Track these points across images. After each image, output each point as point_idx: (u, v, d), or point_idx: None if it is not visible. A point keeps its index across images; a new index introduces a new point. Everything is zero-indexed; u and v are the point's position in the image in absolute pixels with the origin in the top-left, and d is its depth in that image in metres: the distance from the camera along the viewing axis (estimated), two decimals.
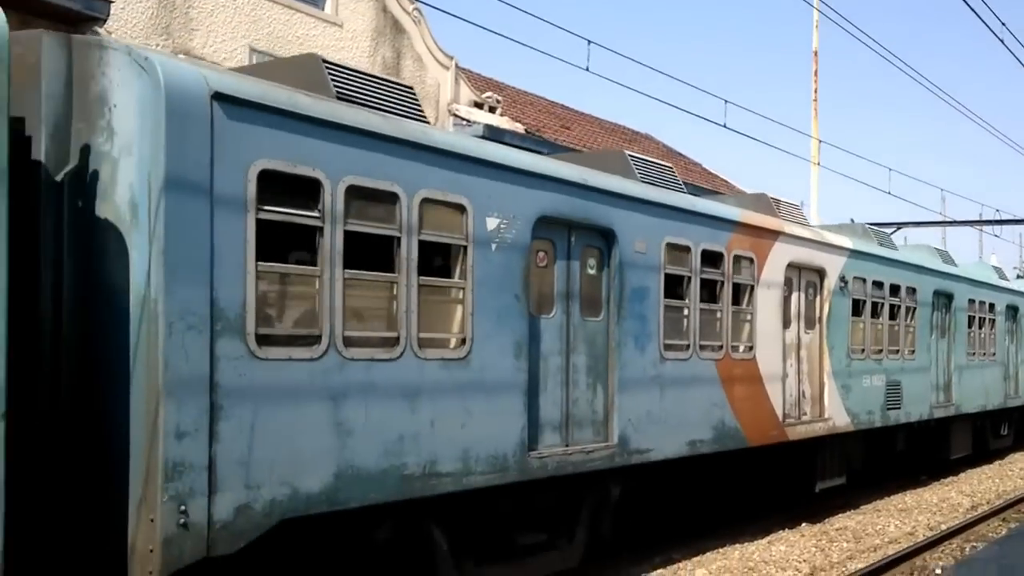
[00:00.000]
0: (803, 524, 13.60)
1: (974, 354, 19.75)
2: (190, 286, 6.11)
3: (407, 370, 7.50)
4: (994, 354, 20.97)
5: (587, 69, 13.49)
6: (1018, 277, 31.38)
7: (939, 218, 38.13)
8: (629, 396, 9.79)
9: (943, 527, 13.62)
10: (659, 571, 10.73)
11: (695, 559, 11.27)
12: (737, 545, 12.06)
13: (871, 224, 18.61)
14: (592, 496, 9.75)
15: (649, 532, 11.66)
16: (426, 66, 19.80)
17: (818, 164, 27.10)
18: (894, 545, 12.53)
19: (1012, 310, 22.42)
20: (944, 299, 18.28)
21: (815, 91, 27.11)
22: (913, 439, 17.61)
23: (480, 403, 8.11)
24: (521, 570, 8.98)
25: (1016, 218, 37.37)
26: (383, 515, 7.57)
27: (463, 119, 20.07)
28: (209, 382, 6.20)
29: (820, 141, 26.97)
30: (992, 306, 20.89)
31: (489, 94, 21.77)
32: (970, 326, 19.58)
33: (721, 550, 11.76)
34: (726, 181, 32.64)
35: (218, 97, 6.26)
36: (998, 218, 37.02)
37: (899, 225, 30.94)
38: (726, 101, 17.14)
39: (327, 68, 7.71)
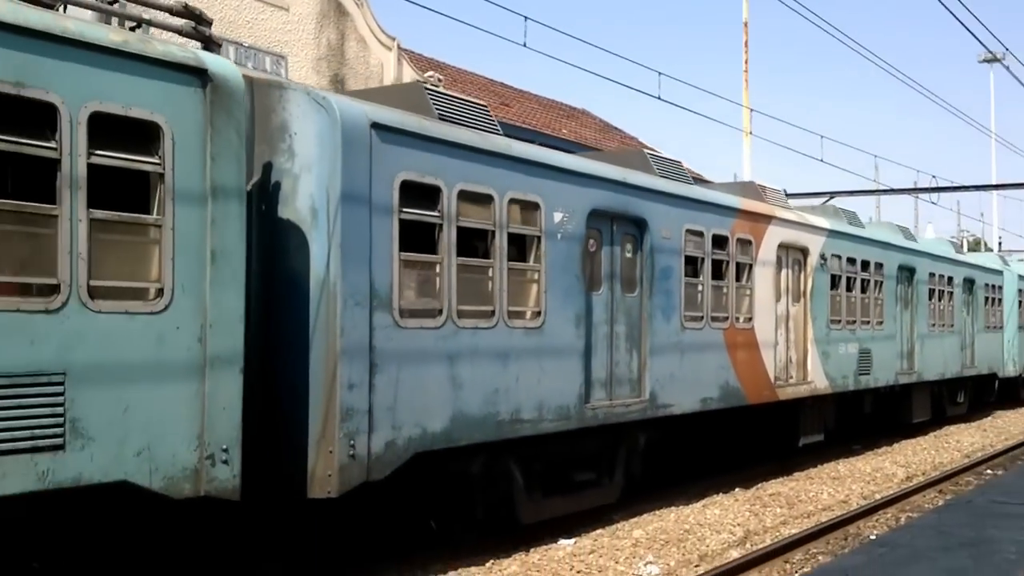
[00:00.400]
0: (737, 489, 13.91)
1: (935, 325, 21.90)
2: (357, 272, 7.97)
3: (500, 336, 9.41)
4: (952, 325, 23.16)
5: (524, 45, 13.97)
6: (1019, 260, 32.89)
7: (873, 186, 38.15)
8: (657, 359, 11.77)
9: (877, 496, 13.72)
10: (599, 531, 11.07)
11: (633, 520, 11.62)
12: (673, 508, 12.39)
13: (806, 193, 20.24)
14: (627, 443, 11.73)
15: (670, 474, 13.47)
16: (369, 47, 20.75)
17: (750, 133, 27.72)
18: (827, 512, 12.68)
19: (968, 283, 24.63)
20: (907, 273, 20.40)
21: (745, 61, 27.78)
22: (879, 403, 19.73)
23: (551, 364, 10.04)
24: (575, 502, 10.95)
25: (953, 185, 38.61)
26: (478, 453, 9.48)
27: None
28: (369, 346, 8.06)
29: (751, 110, 27.66)
30: (951, 279, 23.07)
31: (431, 73, 22.18)
32: (931, 298, 21.73)
33: (658, 512, 12.12)
34: (659, 154, 33.92)
35: (375, 126, 8.10)
36: (934, 185, 38.46)
37: (832, 194, 31.71)
38: (660, 73, 18.26)
39: (428, 94, 9.55)
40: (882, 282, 18.90)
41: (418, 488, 9.12)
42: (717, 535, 11.09)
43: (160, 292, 6.63)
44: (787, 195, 28.15)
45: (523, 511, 10.15)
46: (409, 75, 21.64)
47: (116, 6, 7.01)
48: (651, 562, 9.76)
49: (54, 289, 6.07)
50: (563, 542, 10.45)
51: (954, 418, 24.30)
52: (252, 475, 7.35)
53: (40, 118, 6.04)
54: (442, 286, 8.83)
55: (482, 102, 10.44)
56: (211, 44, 7.26)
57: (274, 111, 8.04)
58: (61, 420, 6.05)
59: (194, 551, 7.70)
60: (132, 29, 7.01)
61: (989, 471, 16.33)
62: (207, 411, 6.85)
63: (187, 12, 7.20)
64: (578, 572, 9.40)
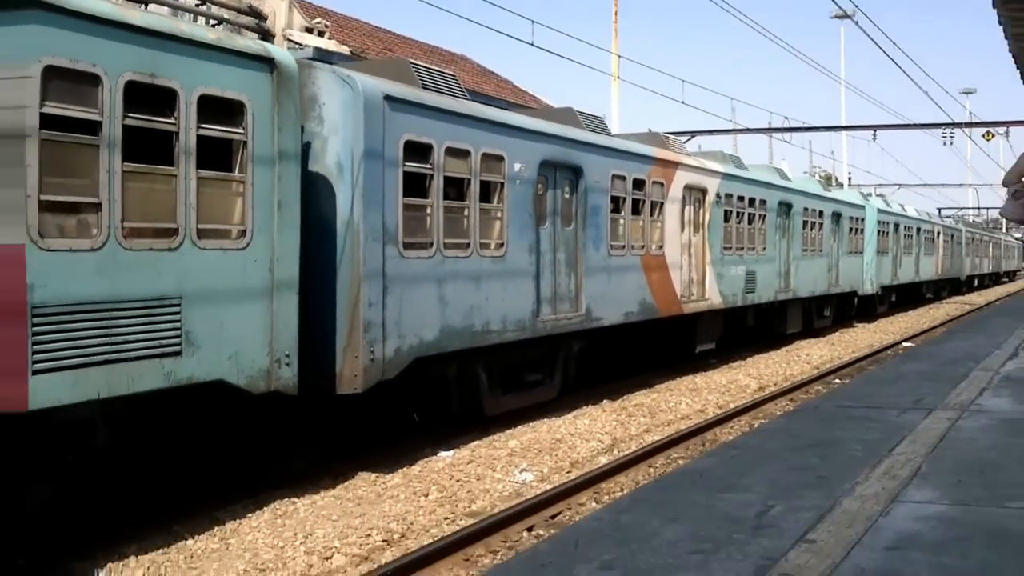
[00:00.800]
0: (605, 401, 14.65)
1: (807, 251, 25.02)
2: (374, 214, 10.03)
3: (474, 264, 11.63)
4: (821, 250, 26.37)
5: None
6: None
7: (731, 126, 40.17)
8: (590, 281, 14.17)
9: (732, 405, 14.46)
10: (476, 442, 11.72)
11: (508, 432, 12.26)
12: (546, 420, 13.10)
13: (669, 133, 22.09)
14: (564, 350, 14.16)
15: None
16: None
17: (618, 78, 28.86)
18: (686, 421, 13.38)
19: (835, 216, 27.89)
20: (785, 207, 23.33)
21: (615, 12, 29.02)
22: (760, 317, 22.74)
23: (511, 285, 12.32)
24: (526, 398, 13.36)
25: (804, 125, 40.08)
26: (453, 359, 11.72)
27: (296, 43, 21.90)
28: (382, 272, 10.18)
29: (620, 56, 28.65)
30: (821, 212, 26.23)
31: (319, 20, 20.64)
32: (804, 228, 24.80)
33: (532, 424, 12.82)
34: (535, 96, 33.89)
35: (387, 98, 10.10)
36: (787, 125, 38.73)
37: (693, 133, 31.99)
38: (533, 21, 20.08)
39: (412, 67, 11.53)
40: (765, 215, 21.72)
41: (406, 388, 11.34)
42: (587, 443, 11.72)
43: (243, 233, 8.61)
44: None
45: (487, 406, 12.50)
46: (299, 22, 22.12)
47: (202, 7, 8.78)
48: (526, 469, 10.43)
49: (174, 232, 8.01)
50: (443, 454, 11.07)
51: (808, 333, 26.36)
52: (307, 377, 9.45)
53: (165, 100, 7.90)
54: (432, 224, 10.97)
55: (451, 72, 12.46)
56: (268, 35, 9.11)
57: (305, 85, 9.93)
58: (179, 333, 8.04)
59: (251, 439, 9.79)
60: (213, 25, 8.81)
61: (837, 380, 16.93)
62: (275, 325, 8.91)
63: (251, 11, 9.04)
64: (457, 481, 9.98)
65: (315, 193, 9.93)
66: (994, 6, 12.84)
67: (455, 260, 11.31)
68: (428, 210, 10.95)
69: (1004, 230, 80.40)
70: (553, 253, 13.38)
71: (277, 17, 23.50)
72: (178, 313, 8.03)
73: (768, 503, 4.57)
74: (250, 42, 8.65)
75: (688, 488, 5.02)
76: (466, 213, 11.55)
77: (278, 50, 8.93)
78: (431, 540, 8.08)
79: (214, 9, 8.82)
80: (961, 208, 76.55)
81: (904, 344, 23.25)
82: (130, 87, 7.59)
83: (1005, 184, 9.87)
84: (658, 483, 5.94)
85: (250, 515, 8.88)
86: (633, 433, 12.52)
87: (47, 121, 7.05)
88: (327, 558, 7.85)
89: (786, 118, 51.85)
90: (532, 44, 20.40)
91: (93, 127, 7.40)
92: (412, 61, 11.64)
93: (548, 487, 9.76)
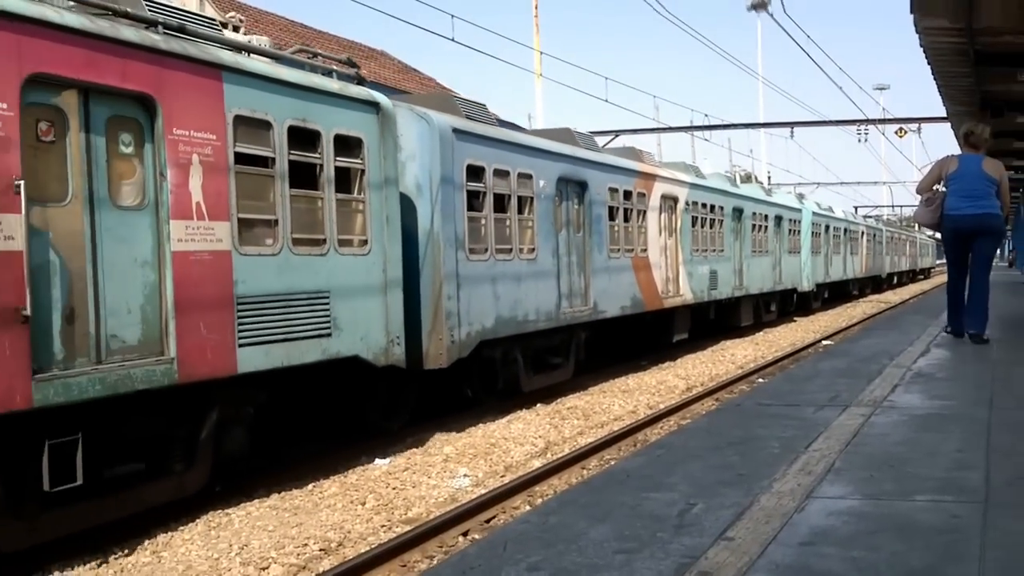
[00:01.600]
0: (538, 404, 14.74)
1: (755, 252, 27.88)
2: (448, 225, 12.38)
3: (515, 265, 14.03)
4: (767, 251, 29.29)
5: None
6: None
7: (654, 124, 40.32)
8: (595, 279, 16.65)
9: (661, 406, 14.61)
10: (412, 450, 11.72)
11: (443, 437, 12.37)
12: (480, 425, 13.14)
13: (592, 132, 23.25)
14: (576, 337, 16.61)
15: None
16: None
17: (541, 75, 29.02)
18: (618, 422, 13.45)
19: (777, 219, 30.87)
20: (738, 213, 26.17)
21: (536, 6, 29.13)
22: (719, 311, 25.46)
23: (541, 283, 14.74)
24: (550, 377, 15.75)
25: (724, 123, 40.32)
26: (499, 344, 14.07)
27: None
28: (456, 272, 12.52)
29: (542, 53, 28.69)
30: (766, 216, 29.17)
31: (232, 14, 19.34)
32: (753, 230, 27.66)
33: (467, 429, 12.86)
34: (458, 95, 35.05)
35: (454, 130, 12.48)
36: (707, 123, 39.22)
37: (617, 132, 32.61)
38: (453, 16, 19.70)
39: (456, 99, 13.93)
40: (723, 220, 24.51)
41: (476, 366, 13.66)
42: (521, 447, 11.84)
43: (364, 242, 10.90)
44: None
45: (523, 383, 14.87)
46: (211, 14, 21.91)
47: (300, 56, 11.06)
48: (464, 475, 10.56)
49: (323, 242, 10.27)
50: (379, 462, 11.10)
51: (735, 332, 26.84)
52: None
53: (312, 139, 10.18)
54: (486, 233, 13.36)
55: (481, 103, 14.89)
56: (363, 81, 11.41)
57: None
58: (329, 319, 10.29)
59: (360, 404, 12.02)
60: (325, 75, 11.08)
61: (760, 379, 16.99)
62: (388, 313, 11.20)
63: (350, 63, 11.34)
64: (394, 488, 9.99)
65: (403, 208, 12.24)
66: None
67: (503, 262, 13.70)
68: (483, 221, 13.33)
69: (917, 228, 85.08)
70: (568, 256, 15.84)
71: (187, 9, 24.12)
72: (328, 304, 10.29)
73: (690, 501, 4.61)
74: (363, 90, 10.98)
75: (615, 488, 4.97)
76: (507, 223, 13.96)
77: (380, 95, 11.26)
78: (368, 548, 8.01)
79: (304, 55, 11.10)
80: (876, 206, 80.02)
81: (824, 342, 23.56)
82: (291, 130, 9.87)
83: (919, 192, 10.91)
84: (586, 484, 5.79)
85: (183, 527, 8.79)
86: (567, 436, 12.63)
87: (238, 158, 9.30)
88: (264, 568, 7.76)
89: (707, 115, 52.43)
90: (452, 40, 19.69)
91: (267, 162, 9.65)
92: (455, 95, 14.03)
93: (483, 491, 9.72)
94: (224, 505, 9.41)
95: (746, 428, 6.46)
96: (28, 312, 7.22)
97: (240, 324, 9.16)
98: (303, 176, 10.16)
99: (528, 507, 9.12)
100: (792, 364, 18.22)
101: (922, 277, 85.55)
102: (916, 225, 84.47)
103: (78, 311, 7.80)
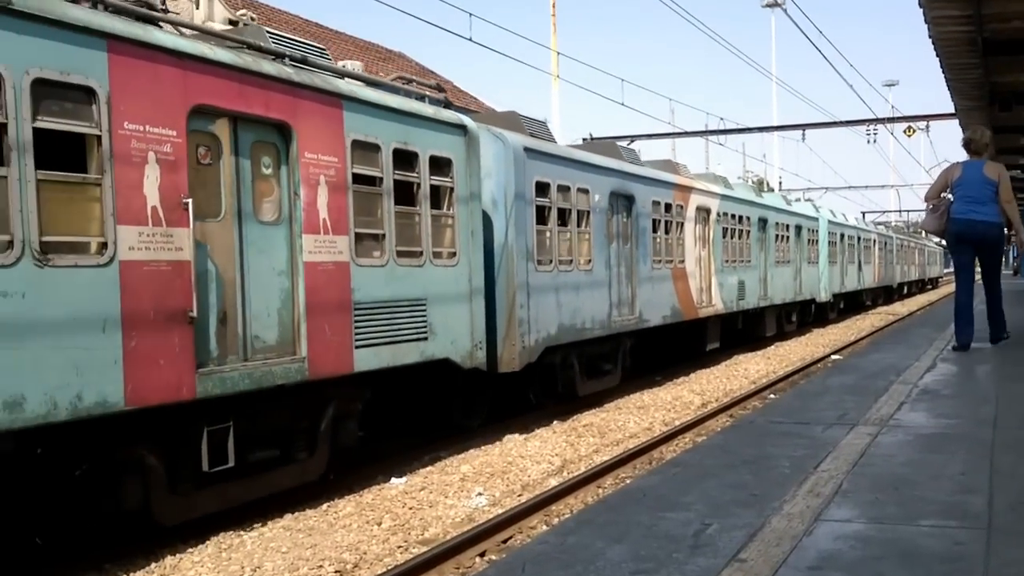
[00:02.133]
0: (555, 422, 14.74)
1: (779, 261, 28.84)
2: (520, 238, 13.38)
3: (575, 276, 15.02)
4: (789, 262, 30.25)
5: None
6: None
7: (670, 128, 40.79)
8: (641, 289, 17.65)
9: (677, 423, 14.55)
10: (428, 468, 11.64)
11: (460, 456, 12.23)
12: (498, 443, 13.07)
13: (607, 137, 23.79)
14: (623, 345, 17.59)
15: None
16: None
17: (558, 77, 29.10)
18: (634, 439, 13.43)
19: (798, 228, 31.84)
20: (762, 223, 27.15)
21: (553, 5, 29.05)
22: (746, 321, 26.40)
23: (596, 293, 15.73)
24: (601, 383, 16.73)
25: (739, 127, 40.08)
26: (559, 350, 15.05)
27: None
28: (526, 282, 13.51)
29: (559, 54, 28.74)
30: (787, 226, 30.14)
31: (243, 12, 18.63)
32: (776, 241, 28.63)
33: (484, 447, 12.81)
34: (476, 99, 33.07)
35: (526, 149, 13.49)
36: (722, 127, 39.16)
37: (633, 138, 32.85)
38: (471, 15, 18.48)
39: (521, 118, 14.94)
40: (749, 231, 25.51)
41: (539, 367, 14.64)
42: (537, 465, 11.78)
43: (453, 254, 11.88)
44: (592, 138, 30.61)
45: (579, 387, 15.84)
46: (221, 14, 20.72)
47: (401, 83, 12.07)
48: (480, 493, 10.40)
49: (420, 254, 11.26)
50: (395, 481, 10.98)
51: (749, 346, 26.93)
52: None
53: (411, 160, 11.18)
54: (551, 245, 14.36)
55: (543, 120, 15.90)
56: (450, 105, 12.42)
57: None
58: (426, 324, 11.27)
59: (444, 402, 12.99)
60: (418, 99, 12.08)
61: (772, 395, 17.08)
62: (473, 320, 12.18)
63: (439, 88, 12.36)
64: (410, 508, 9.84)
65: (482, 221, 13.23)
66: None
67: (564, 273, 14.70)
68: (548, 234, 14.33)
69: (924, 235, 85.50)
70: (618, 267, 16.84)
71: (197, 8, 24.27)
72: (425, 311, 11.28)
73: (705, 521, 4.69)
74: (452, 114, 12.00)
75: (632, 507, 5.01)
76: (568, 236, 14.96)
77: (467, 119, 12.27)
78: (385, 569, 7.94)
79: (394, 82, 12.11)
80: (884, 211, 79.56)
81: (833, 356, 23.72)
82: (395, 152, 10.87)
83: (927, 199, 11.22)
84: (603, 503, 5.81)
85: (192, 549, 8.63)
86: (583, 454, 12.58)
87: (355, 178, 10.30)
88: None
89: (722, 119, 52.61)
90: (470, 39, 19.37)
91: (376, 181, 10.65)
92: (520, 114, 15.04)
93: (500, 511, 9.61)
94: (236, 526, 9.24)
95: (759, 446, 6.57)
96: (194, 314, 8.21)
97: (356, 328, 10.14)
98: (404, 194, 11.15)
99: (545, 526, 9.09)
100: (802, 379, 18.21)
101: (930, 287, 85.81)
102: (923, 232, 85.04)
103: (229, 314, 8.79)
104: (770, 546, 4.31)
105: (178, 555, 8.49)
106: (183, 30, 9.11)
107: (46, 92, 7.17)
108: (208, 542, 8.82)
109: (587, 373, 16.21)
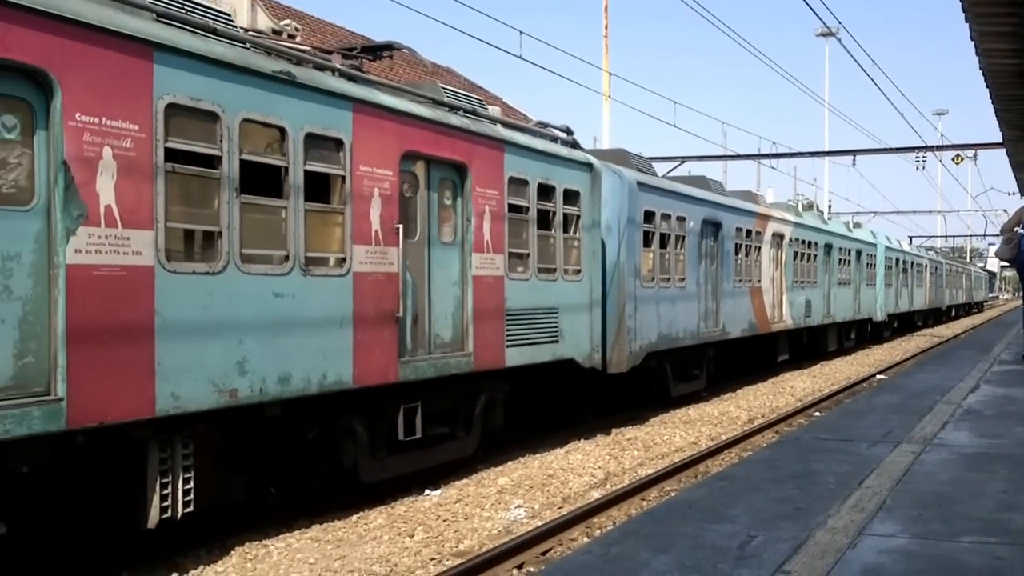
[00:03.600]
0: (598, 436, 14.79)
1: (840, 283, 30.74)
2: (631, 258, 15.54)
3: (671, 291, 17.15)
4: (850, 283, 32.14)
5: None
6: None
7: (722, 151, 40.78)
8: (724, 304, 19.71)
9: (723, 437, 14.66)
10: (464, 480, 11.54)
11: (498, 469, 12.15)
12: (537, 455, 13.07)
13: (659, 158, 24.45)
14: (707, 353, 19.65)
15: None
16: None
17: (609, 97, 29.06)
18: (679, 453, 13.45)
19: (858, 253, 33.72)
20: (827, 248, 29.09)
21: (606, 25, 28.92)
22: (811, 336, 28.32)
23: (688, 305, 17.84)
24: (689, 387, 18.81)
25: (792, 151, 40.32)
26: (655, 356, 17.15)
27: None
28: (634, 295, 15.66)
29: (611, 74, 28.67)
30: (849, 251, 32.06)
31: (287, 22, 18.21)
32: (839, 264, 30.55)
33: (522, 460, 12.75)
34: (524, 115, 32.49)
35: (638, 183, 15.66)
36: (774, 151, 39.03)
37: (683, 159, 33.33)
38: (521, 32, 19.18)
39: (629, 154, 17.12)
40: (816, 254, 27.46)
41: (640, 371, 16.75)
42: (579, 478, 11.70)
43: (578, 271, 14.07)
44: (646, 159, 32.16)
45: (672, 389, 17.94)
46: (264, 22, 19.38)
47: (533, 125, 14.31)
48: (519, 506, 10.27)
49: (554, 271, 13.45)
50: (429, 493, 10.89)
51: (797, 365, 26.96)
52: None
53: (550, 193, 13.38)
54: (654, 265, 16.51)
55: (648, 157, 18.05)
56: (577, 144, 14.63)
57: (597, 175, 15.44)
58: (557, 329, 13.46)
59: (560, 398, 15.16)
60: (552, 140, 14.28)
61: (817, 412, 16.97)
62: (592, 326, 14.36)
63: (567, 130, 14.59)
64: (444, 520, 9.63)
65: (599, 244, 15.40)
66: (967, 20, 12.91)
67: (664, 288, 16.84)
68: (651, 255, 16.49)
69: (968, 259, 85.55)
70: (706, 284, 18.93)
71: (237, 17, 23.25)
72: (557, 318, 13.47)
73: (750, 534, 4.69)
74: (581, 153, 14.21)
75: (678, 519, 5.05)
76: (667, 256, 17.10)
77: (593, 158, 14.48)
78: None
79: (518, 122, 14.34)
80: (931, 236, 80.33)
81: (878, 376, 23.71)
82: (539, 186, 13.10)
83: (1002, 232, 12.99)
84: (648, 515, 5.84)
85: (216, 560, 8.37)
86: (627, 467, 12.52)
87: (510, 208, 12.52)
88: None
89: (774, 143, 53.17)
90: (520, 57, 19.91)
91: (524, 210, 12.87)
92: (628, 151, 17.22)
93: (539, 523, 9.45)
94: (262, 536, 9.07)
95: (804, 462, 6.58)
96: (400, 315, 10.46)
97: (507, 330, 12.36)
98: (543, 220, 13.37)
99: (586, 539, 8.90)
100: (848, 398, 18.17)
101: (976, 310, 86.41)
102: (968, 256, 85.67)
103: (420, 316, 11.04)
104: (814, 559, 4.37)
105: (201, 565, 8.26)
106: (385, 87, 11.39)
107: (312, 143, 9.46)
108: (233, 552, 8.62)
109: (679, 378, 18.29)
